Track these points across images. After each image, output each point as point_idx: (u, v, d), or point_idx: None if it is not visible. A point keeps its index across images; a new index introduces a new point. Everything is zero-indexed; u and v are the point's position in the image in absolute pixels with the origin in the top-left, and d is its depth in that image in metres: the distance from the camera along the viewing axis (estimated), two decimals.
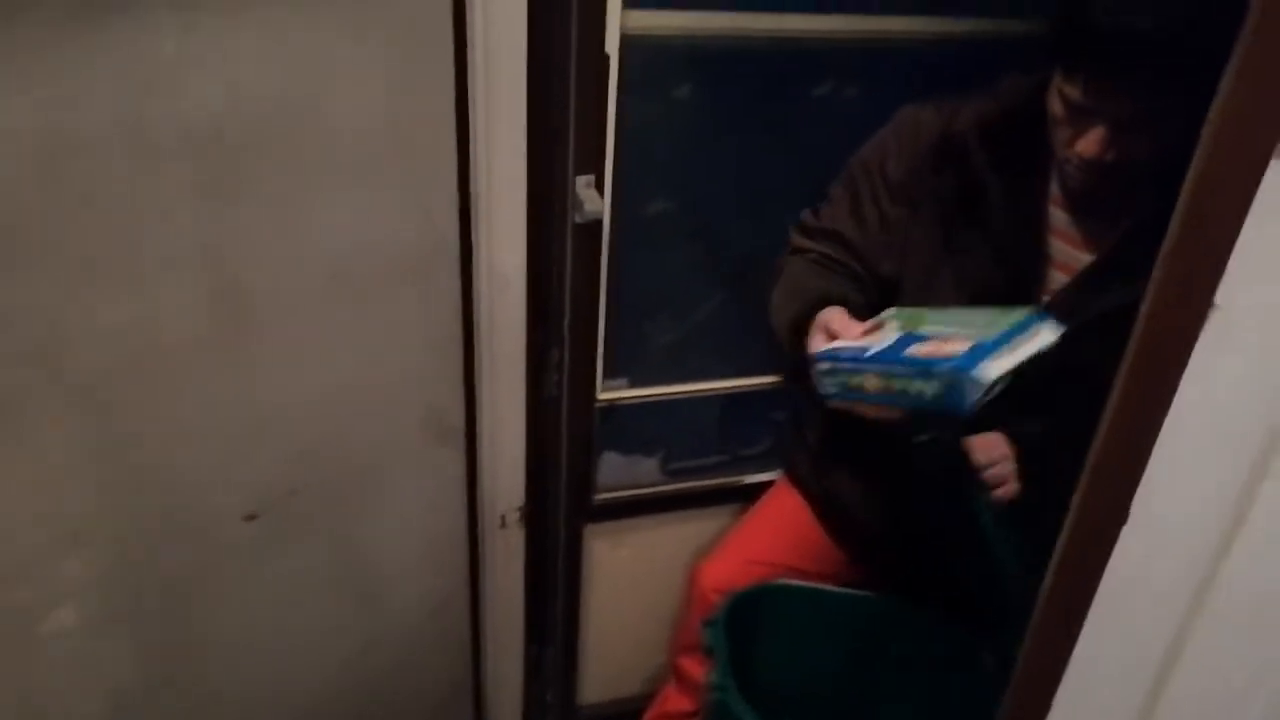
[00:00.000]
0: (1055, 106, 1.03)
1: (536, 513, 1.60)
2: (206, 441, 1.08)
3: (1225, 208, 0.50)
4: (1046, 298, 1.15)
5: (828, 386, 1.04)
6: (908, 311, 1.07)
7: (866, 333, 1.06)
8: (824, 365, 1.03)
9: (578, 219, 1.32)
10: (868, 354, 0.98)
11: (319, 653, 1.36)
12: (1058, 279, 1.15)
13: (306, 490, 1.22)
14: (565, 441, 1.54)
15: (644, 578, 1.71)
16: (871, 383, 0.98)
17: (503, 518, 1.56)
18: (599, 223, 1.34)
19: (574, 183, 1.30)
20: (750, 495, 1.65)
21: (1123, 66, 0.95)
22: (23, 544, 0.96)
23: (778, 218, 1.43)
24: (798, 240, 1.34)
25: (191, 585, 1.14)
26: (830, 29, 1.33)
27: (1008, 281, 1.15)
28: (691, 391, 1.55)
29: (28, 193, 0.86)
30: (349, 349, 1.20)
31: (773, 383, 1.59)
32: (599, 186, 1.32)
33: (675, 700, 1.58)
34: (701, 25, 1.28)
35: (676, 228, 1.42)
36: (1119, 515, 0.57)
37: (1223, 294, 0.49)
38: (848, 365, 1.00)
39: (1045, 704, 0.64)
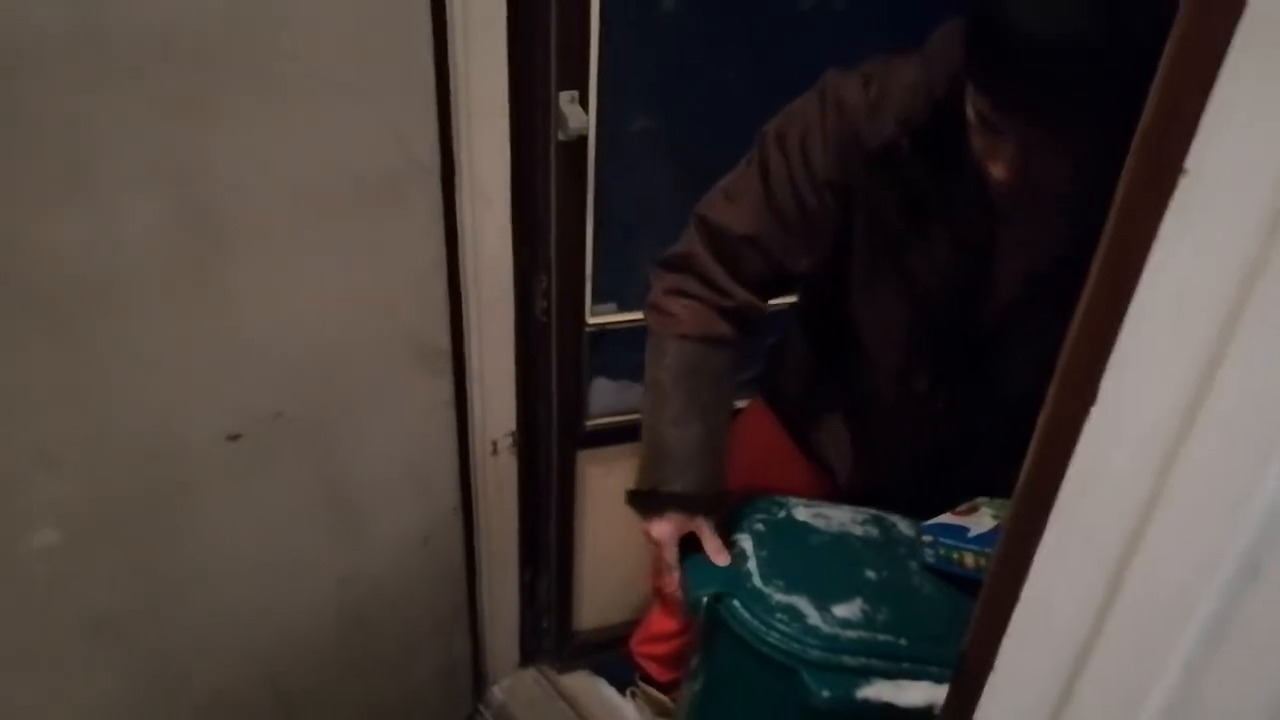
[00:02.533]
0: (970, 112, 0.92)
1: (528, 439, 1.60)
2: (183, 362, 1.07)
3: (1192, 78, 0.48)
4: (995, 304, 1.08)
5: (928, 556, 1.18)
6: (999, 502, 1.19)
7: (960, 513, 1.17)
8: (927, 538, 1.18)
9: (561, 136, 1.30)
10: (969, 535, 1.14)
11: (306, 578, 1.37)
12: (1009, 286, 1.07)
13: (291, 413, 1.22)
14: (555, 367, 1.53)
15: None
16: (969, 560, 1.13)
17: (494, 444, 1.57)
18: (584, 140, 1.32)
19: (557, 98, 1.28)
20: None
21: (1034, 85, 0.83)
22: None
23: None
24: (699, 257, 1.16)
25: (174, 505, 1.14)
26: None
27: (956, 288, 1.08)
28: None
29: None
30: (326, 272, 1.18)
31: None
32: (583, 102, 1.29)
33: (660, 622, 1.59)
34: None
35: (662, 146, 1.40)
36: (1089, 396, 0.56)
37: (1193, 158, 0.48)
38: (948, 542, 1.15)
39: (1014, 595, 0.64)
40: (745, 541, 1.24)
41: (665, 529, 1.17)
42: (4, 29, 0.82)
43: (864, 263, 1.14)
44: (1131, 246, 0.51)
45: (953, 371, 1.17)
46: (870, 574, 1.22)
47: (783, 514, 1.32)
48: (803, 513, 1.32)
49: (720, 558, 1.17)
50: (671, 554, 1.18)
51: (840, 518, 1.32)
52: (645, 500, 1.19)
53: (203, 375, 1.11)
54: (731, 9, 1.32)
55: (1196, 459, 0.51)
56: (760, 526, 1.26)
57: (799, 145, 1.09)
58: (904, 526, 1.33)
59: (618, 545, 1.76)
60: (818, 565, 1.23)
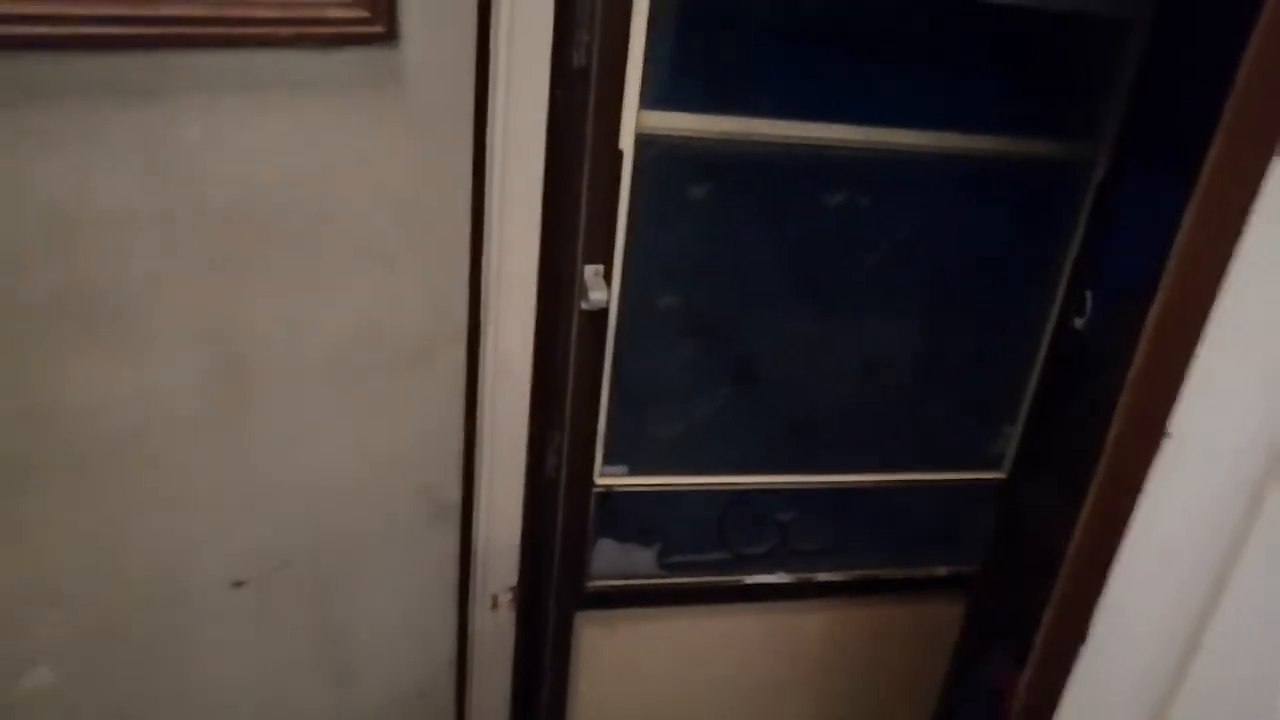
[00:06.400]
0: None
1: (529, 595, 1.59)
2: (197, 509, 1.10)
3: (1180, 342, 0.52)
4: None
5: None
6: None
7: None
8: None
9: (584, 306, 1.35)
10: None
11: None
12: None
13: (298, 563, 1.23)
14: (560, 525, 1.54)
15: (637, 669, 1.69)
16: None
17: (494, 598, 1.56)
18: (605, 311, 1.37)
19: (583, 271, 1.34)
20: (750, 596, 1.62)
21: None
22: (2, 601, 0.97)
23: (785, 321, 1.45)
24: None
25: (171, 648, 1.14)
26: (845, 139, 1.34)
27: None
28: (692, 485, 1.54)
29: (43, 260, 0.89)
30: (349, 428, 1.22)
31: (777, 483, 1.57)
32: (607, 276, 1.35)
33: None
34: (715, 128, 1.31)
35: (684, 323, 1.44)
36: (1080, 634, 0.57)
37: (1175, 423, 0.50)
38: None
39: None
40: None
41: None
42: (74, 193, 0.88)
43: None
44: (1118, 502, 0.53)
45: None
46: None
47: None
48: None
49: None
50: None
51: None
52: None
53: (215, 522, 1.13)
54: (759, 198, 1.38)
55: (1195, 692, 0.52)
56: None
57: None
58: None
59: (615, 709, 1.71)
60: None
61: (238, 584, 1.17)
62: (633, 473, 1.53)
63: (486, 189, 1.24)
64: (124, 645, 1.09)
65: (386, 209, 1.14)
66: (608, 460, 1.51)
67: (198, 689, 1.19)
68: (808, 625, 1.70)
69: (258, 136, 0.98)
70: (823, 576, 1.64)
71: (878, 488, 1.61)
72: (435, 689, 1.55)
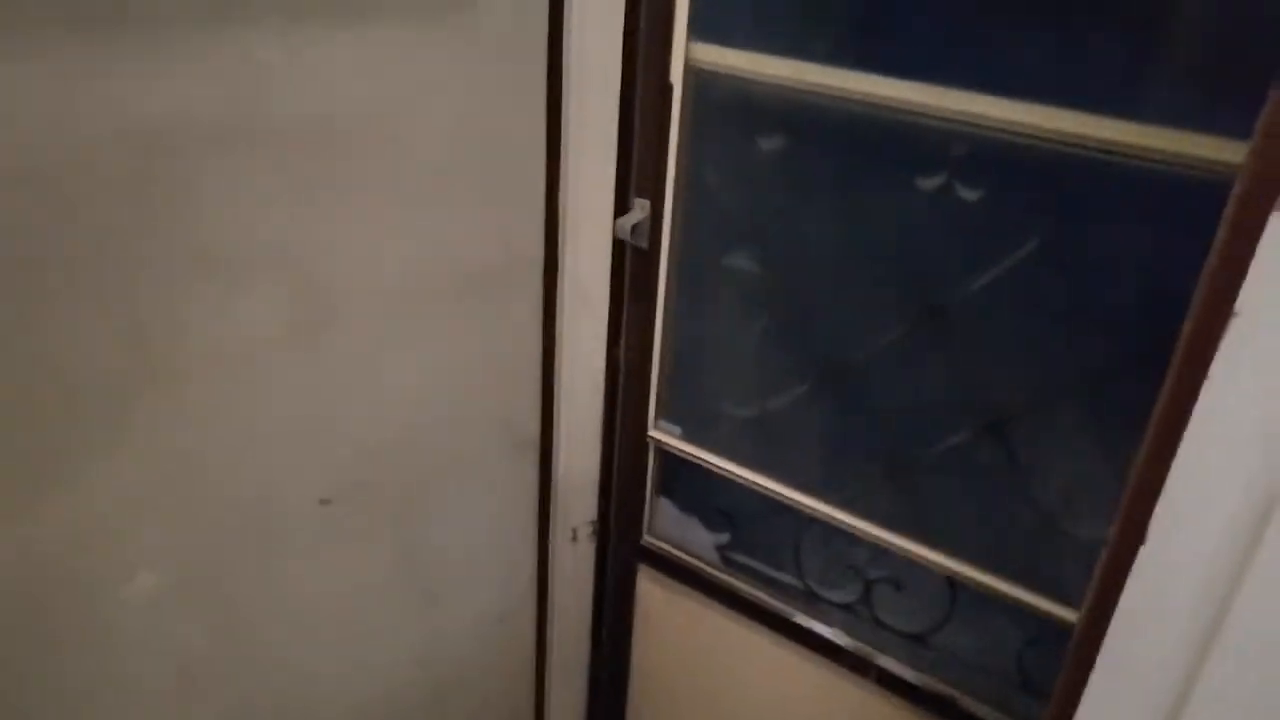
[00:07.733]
0: None
1: (605, 533, 1.62)
2: (284, 428, 1.14)
3: (1254, 218, 0.49)
4: None
5: None
6: None
7: None
8: None
9: (622, 238, 1.35)
10: None
11: (383, 648, 1.40)
12: None
13: (382, 482, 1.27)
14: (616, 463, 1.55)
15: (693, 654, 1.59)
16: None
17: (574, 531, 1.59)
18: (653, 252, 1.35)
19: (633, 204, 1.33)
20: (796, 638, 1.39)
21: None
22: (100, 510, 1.02)
23: (878, 326, 1.22)
24: None
25: (263, 562, 1.19)
26: (950, 109, 1.03)
27: None
28: (746, 479, 1.41)
29: (131, 186, 0.92)
30: (428, 354, 1.25)
31: (853, 526, 1.31)
32: (656, 216, 1.33)
33: None
34: (769, 70, 1.19)
35: (756, 291, 1.34)
36: (1139, 535, 0.55)
37: (1243, 299, 0.48)
38: None
39: None
40: None
41: None
42: (158, 119, 0.92)
43: None
44: (1187, 397, 0.50)
45: None
46: None
47: None
48: None
49: None
50: None
51: None
52: None
53: (301, 440, 1.17)
54: (841, 165, 1.19)
55: (1247, 604, 0.50)
56: None
57: None
58: None
59: (671, 677, 1.65)
60: None
61: (324, 501, 1.22)
62: (686, 437, 1.48)
63: (562, 115, 1.24)
64: (216, 557, 1.15)
65: (462, 134, 1.16)
66: (665, 415, 1.49)
67: (284, 604, 1.25)
68: (868, 712, 1.36)
69: (335, 59, 1.01)
70: (885, 662, 1.32)
71: (992, 595, 1.20)
72: (516, 615, 1.60)
